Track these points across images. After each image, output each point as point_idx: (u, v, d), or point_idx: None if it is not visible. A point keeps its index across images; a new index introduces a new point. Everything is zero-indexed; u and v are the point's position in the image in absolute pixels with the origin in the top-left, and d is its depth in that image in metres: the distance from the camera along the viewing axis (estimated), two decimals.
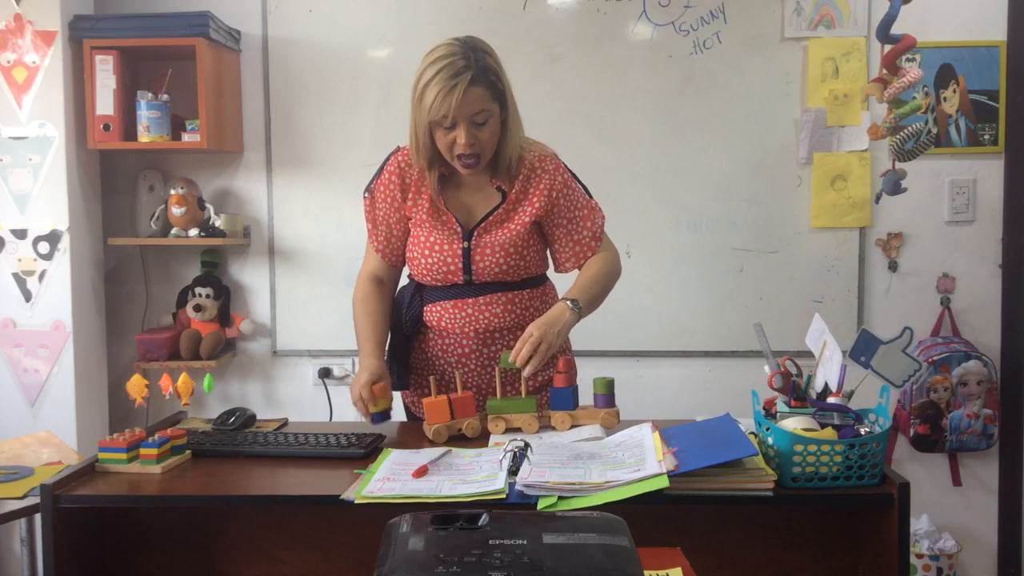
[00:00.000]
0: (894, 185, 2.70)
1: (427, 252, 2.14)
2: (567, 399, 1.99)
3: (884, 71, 2.55)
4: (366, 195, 2.20)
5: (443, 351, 2.19)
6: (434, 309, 2.17)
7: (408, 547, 1.04)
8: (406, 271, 2.28)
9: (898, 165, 2.66)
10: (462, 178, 2.14)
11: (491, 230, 2.13)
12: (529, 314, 2.17)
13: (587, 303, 2.11)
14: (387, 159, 2.19)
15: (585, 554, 1.03)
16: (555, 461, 1.69)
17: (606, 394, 2.00)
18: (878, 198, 2.87)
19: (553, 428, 1.98)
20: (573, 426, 1.97)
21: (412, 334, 2.22)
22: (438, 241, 2.13)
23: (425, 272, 2.16)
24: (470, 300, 2.15)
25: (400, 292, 2.27)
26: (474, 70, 1.97)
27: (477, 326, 2.15)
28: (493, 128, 2.05)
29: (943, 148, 3.20)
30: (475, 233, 2.13)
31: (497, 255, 2.13)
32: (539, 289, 2.22)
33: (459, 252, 2.12)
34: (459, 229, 2.13)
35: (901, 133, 2.53)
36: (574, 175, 2.22)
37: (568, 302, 2.07)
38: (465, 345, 2.17)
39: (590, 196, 2.24)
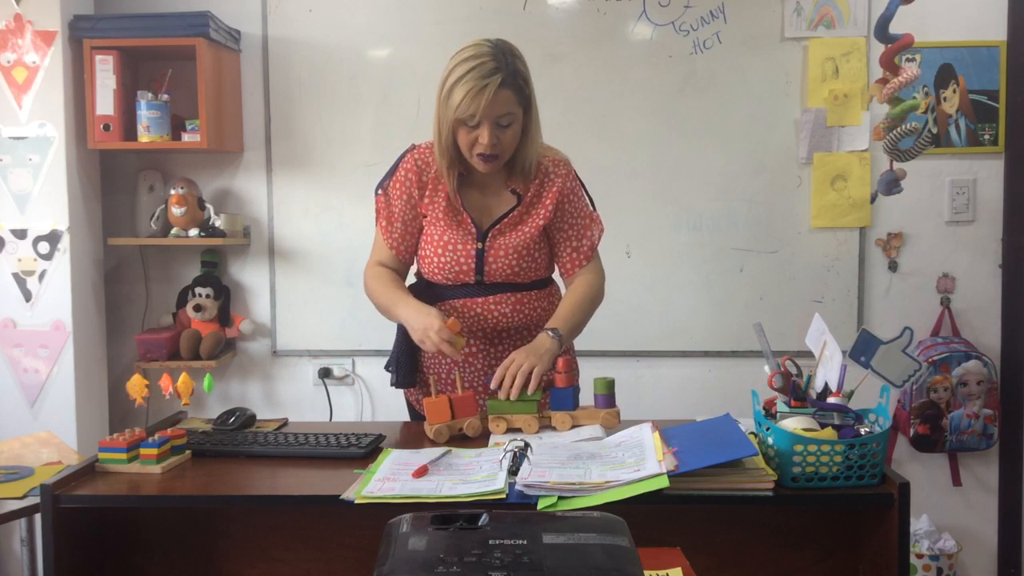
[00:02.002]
0: (888, 185, 2.69)
1: (440, 251, 2.14)
2: (568, 399, 1.99)
3: (887, 73, 2.55)
4: (379, 192, 2.20)
5: None
6: (442, 308, 2.17)
7: (408, 547, 1.04)
8: (412, 269, 2.28)
9: (896, 165, 2.66)
10: (478, 179, 2.16)
11: (505, 232, 2.15)
12: (536, 314, 2.19)
13: (568, 332, 2.13)
14: (402, 156, 2.19)
15: (585, 554, 1.03)
16: (555, 461, 1.69)
17: (606, 394, 2.00)
18: (873, 198, 2.88)
19: (554, 428, 1.98)
20: (574, 426, 1.97)
21: None
22: (452, 240, 2.13)
23: (437, 271, 2.17)
24: (479, 300, 2.16)
25: (409, 290, 2.26)
26: (504, 73, 1.99)
27: (485, 325, 2.16)
28: (515, 131, 2.07)
29: (943, 148, 3.20)
30: (489, 235, 2.14)
31: (510, 257, 2.14)
32: (546, 290, 2.24)
33: (472, 253, 2.13)
34: (474, 230, 2.13)
35: (893, 132, 2.52)
36: (582, 184, 2.24)
37: (549, 332, 2.08)
38: (472, 344, 2.18)
39: (594, 207, 2.26)
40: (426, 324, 2.01)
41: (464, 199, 2.15)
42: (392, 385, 2.29)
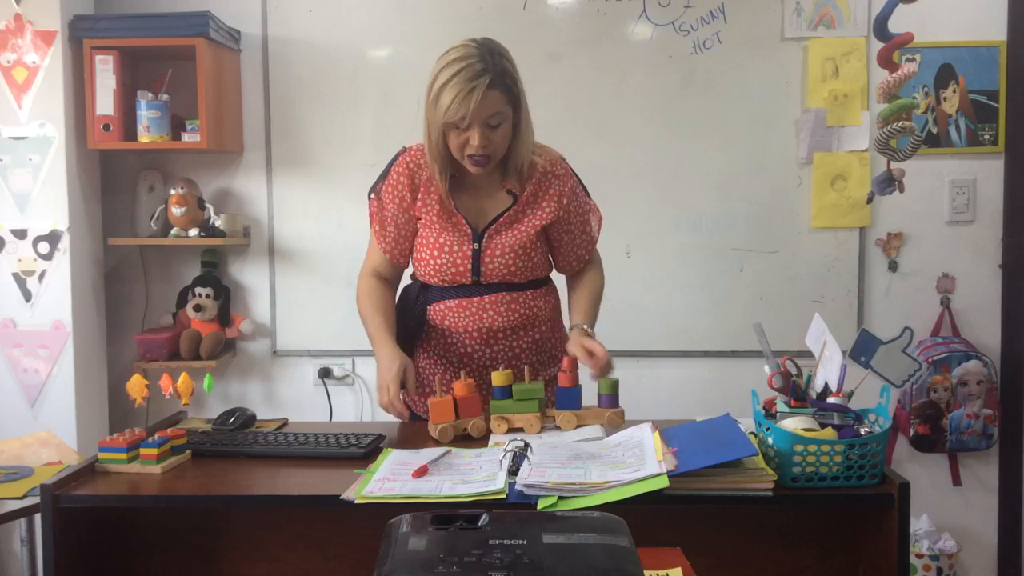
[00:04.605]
0: (882, 185, 2.68)
1: (436, 253, 2.14)
2: (574, 398, 1.99)
3: (890, 75, 2.54)
4: (372, 196, 2.20)
5: (446, 351, 2.20)
6: (438, 308, 2.17)
7: (408, 547, 1.04)
8: (407, 272, 2.28)
9: (894, 165, 2.66)
10: (472, 180, 2.15)
11: (501, 232, 2.14)
12: (533, 314, 2.19)
13: (592, 325, 2.22)
14: (393, 160, 2.19)
15: (585, 554, 1.03)
16: (555, 461, 1.69)
17: (611, 394, 2.00)
18: (870, 199, 2.88)
19: (558, 428, 1.98)
20: (579, 426, 1.97)
21: (416, 334, 2.22)
22: (448, 242, 2.13)
23: (433, 273, 2.16)
24: (475, 299, 2.15)
25: (404, 291, 2.27)
26: (492, 74, 1.99)
27: (481, 325, 2.16)
28: (506, 130, 2.06)
29: (943, 148, 3.21)
30: (485, 235, 2.14)
31: (507, 257, 2.14)
32: (542, 290, 2.24)
33: (469, 254, 2.13)
34: (469, 231, 2.13)
35: (883, 130, 2.52)
36: (576, 176, 2.24)
37: (586, 328, 2.17)
38: (468, 344, 2.18)
39: (588, 196, 2.26)
40: (380, 373, 2.08)
41: (458, 201, 2.14)
42: None
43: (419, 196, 2.15)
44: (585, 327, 2.16)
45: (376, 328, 2.16)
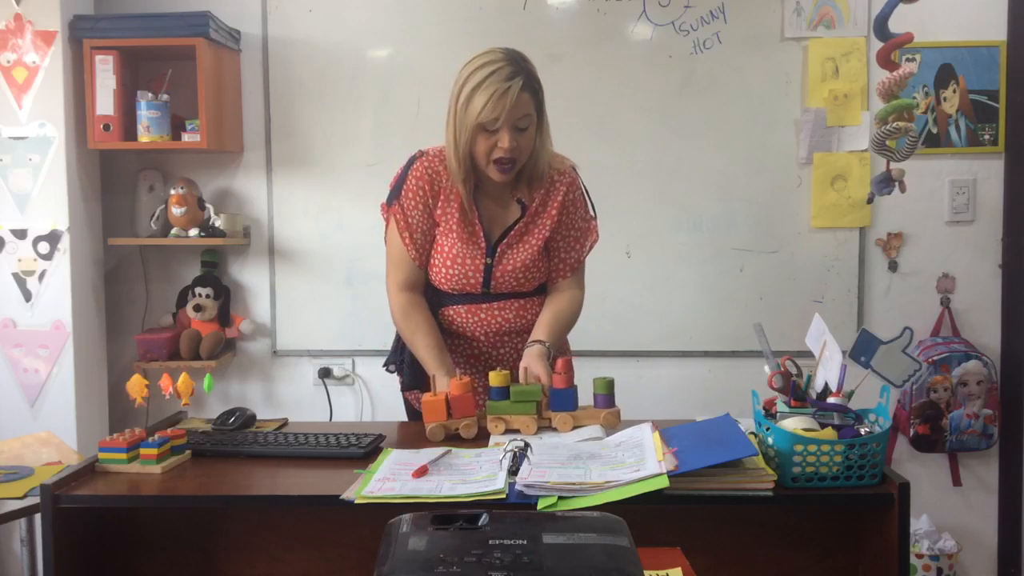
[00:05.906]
0: (880, 185, 2.68)
1: (449, 263, 2.15)
2: (568, 400, 1.99)
3: (890, 75, 2.54)
4: (393, 204, 2.17)
5: (454, 352, 2.21)
6: (448, 312, 2.19)
7: (408, 547, 1.04)
8: None
9: (894, 165, 2.66)
10: (485, 190, 2.16)
11: (513, 245, 2.15)
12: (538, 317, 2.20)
13: (554, 346, 2.15)
14: (410, 165, 2.17)
15: (585, 554, 1.03)
16: (555, 461, 1.69)
17: (606, 394, 2.00)
18: (870, 199, 2.88)
19: (554, 429, 1.98)
20: (575, 427, 1.97)
21: None
22: (461, 254, 2.14)
23: (444, 281, 2.17)
24: (484, 305, 2.17)
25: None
26: (523, 77, 2.01)
27: (489, 328, 2.17)
28: (531, 135, 2.07)
29: (943, 148, 3.21)
30: (497, 249, 2.14)
31: (517, 272, 2.16)
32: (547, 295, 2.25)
33: (481, 267, 2.14)
34: (484, 244, 2.14)
35: (881, 129, 2.51)
36: (586, 191, 2.25)
37: (545, 344, 2.10)
38: (476, 347, 2.20)
39: (595, 215, 2.26)
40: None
41: (478, 208, 2.15)
42: (404, 390, 2.30)
43: (439, 202, 2.15)
44: (547, 345, 2.10)
45: (425, 354, 2.13)
